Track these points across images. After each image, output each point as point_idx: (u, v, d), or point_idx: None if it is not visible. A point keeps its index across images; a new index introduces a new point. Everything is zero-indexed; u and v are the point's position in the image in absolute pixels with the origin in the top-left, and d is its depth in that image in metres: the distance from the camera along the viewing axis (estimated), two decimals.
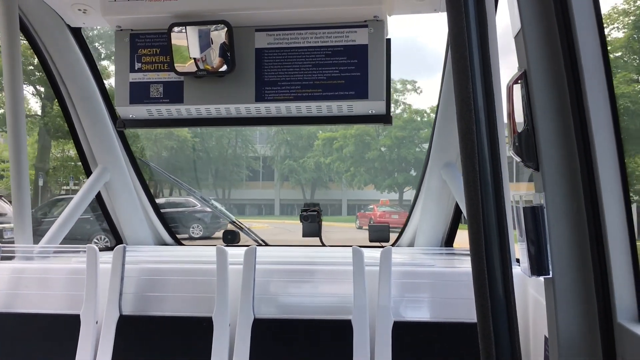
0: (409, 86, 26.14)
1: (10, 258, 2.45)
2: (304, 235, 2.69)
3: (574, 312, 0.96)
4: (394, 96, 26.03)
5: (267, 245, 2.96)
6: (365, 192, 25.11)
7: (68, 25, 2.39)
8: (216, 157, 25.95)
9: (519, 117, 1.03)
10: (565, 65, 0.96)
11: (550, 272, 0.97)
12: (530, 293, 2.08)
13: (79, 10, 2.16)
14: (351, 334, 2.09)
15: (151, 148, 22.06)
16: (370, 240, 2.77)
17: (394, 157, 23.94)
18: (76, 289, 2.31)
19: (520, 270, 2.02)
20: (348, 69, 1.94)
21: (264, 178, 28.11)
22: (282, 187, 27.35)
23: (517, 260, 2.21)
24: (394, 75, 26.99)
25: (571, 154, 0.96)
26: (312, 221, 2.64)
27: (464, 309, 2.13)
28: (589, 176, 0.95)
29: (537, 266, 0.97)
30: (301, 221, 2.66)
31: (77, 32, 2.49)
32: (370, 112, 1.99)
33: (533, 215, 0.97)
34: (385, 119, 2.02)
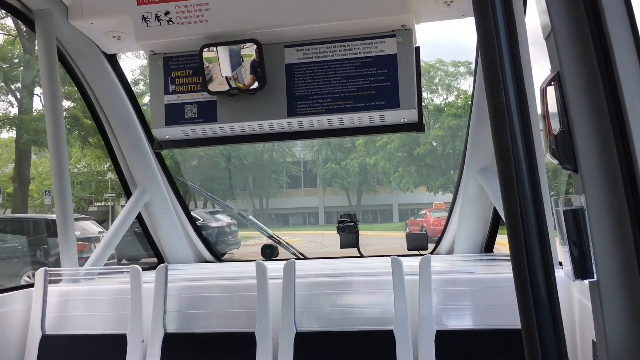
0: (462, 68, 24.99)
1: (57, 281, 2.75)
2: (342, 246, 2.91)
3: (622, 315, 1.01)
4: (445, 81, 25.47)
5: (305, 258, 3.21)
6: (418, 194, 24.37)
7: (103, 52, 2.70)
8: (251, 164, 26.00)
9: (554, 119, 1.10)
10: (599, 64, 1.03)
11: (595, 275, 1.00)
12: (575, 296, 2.22)
13: (114, 37, 2.47)
14: (394, 344, 2.27)
15: (173, 158, 22.51)
16: (409, 249, 2.97)
17: (448, 151, 23.10)
18: (121, 308, 2.57)
19: (563, 274, 2.17)
20: (378, 79, 2.15)
21: (305, 184, 28.03)
22: (325, 193, 27.28)
23: (560, 264, 2.37)
24: (445, 57, 26.17)
25: (610, 153, 1.02)
26: (350, 232, 2.87)
27: (507, 315, 2.27)
28: (630, 175, 1.00)
29: (581, 270, 1.00)
30: (338, 233, 2.89)
31: (112, 58, 2.81)
32: (402, 120, 2.20)
33: (574, 218, 1.00)
34: (417, 126, 2.23)
